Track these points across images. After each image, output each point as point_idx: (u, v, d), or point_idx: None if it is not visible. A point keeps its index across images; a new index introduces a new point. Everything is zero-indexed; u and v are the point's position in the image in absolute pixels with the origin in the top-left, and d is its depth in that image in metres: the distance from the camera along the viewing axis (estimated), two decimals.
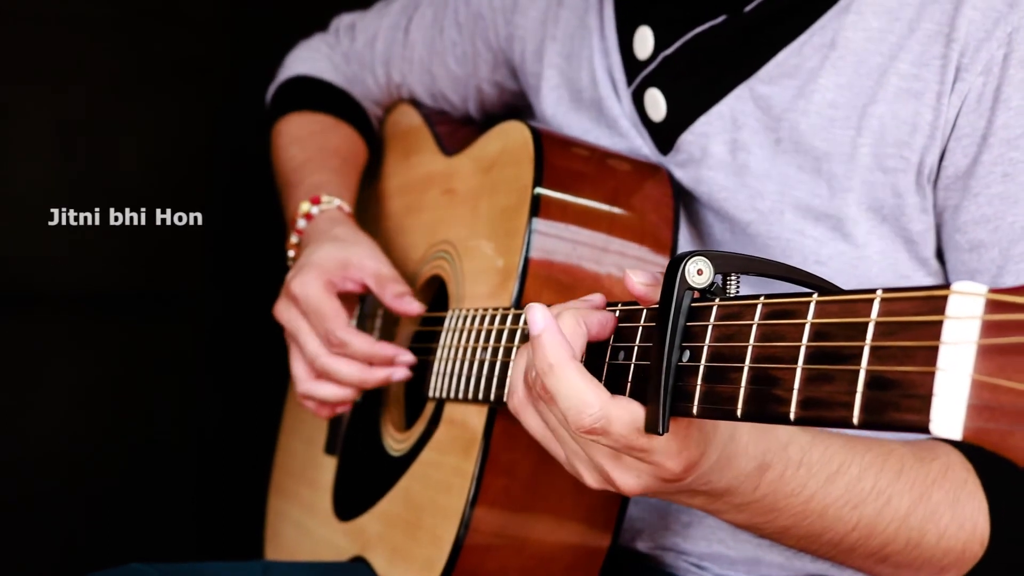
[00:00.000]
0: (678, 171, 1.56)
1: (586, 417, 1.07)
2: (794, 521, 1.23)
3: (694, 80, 1.55)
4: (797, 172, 1.45)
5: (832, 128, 1.43)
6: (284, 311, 1.68)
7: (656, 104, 1.58)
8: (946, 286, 0.78)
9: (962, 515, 1.28)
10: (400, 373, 1.64)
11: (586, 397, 1.07)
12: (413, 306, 1.66)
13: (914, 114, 1.38)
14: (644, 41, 1.59)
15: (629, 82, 1.62)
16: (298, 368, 1.69)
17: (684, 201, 1.57)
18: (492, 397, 1.40)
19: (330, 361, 1.64)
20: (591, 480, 1.18)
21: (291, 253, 1.81)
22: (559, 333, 1.10)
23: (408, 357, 1.64)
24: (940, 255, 1.44)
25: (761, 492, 1.18)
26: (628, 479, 1.14)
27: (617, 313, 1.17)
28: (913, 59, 1.39)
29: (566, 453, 1.19)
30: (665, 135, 1.57)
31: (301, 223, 1.80)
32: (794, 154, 1.46)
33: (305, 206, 1.80)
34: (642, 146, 1.60)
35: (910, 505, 1.25)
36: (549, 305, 1.31)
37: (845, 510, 1.23)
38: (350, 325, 1.65)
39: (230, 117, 2.40)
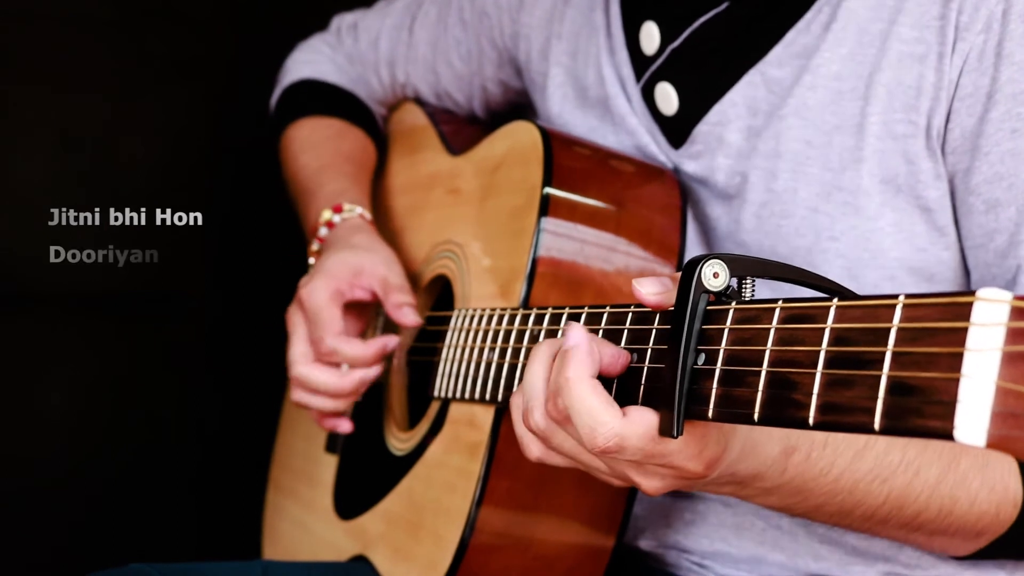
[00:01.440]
0: (691, 163, 1.56)
1: (599, 437, 1.08)
2: (825, 499, 1.24)
3: (704, 70, 1.55)
4: (807, 148, 1.45)
5: (841, 101, 1.43)
6: (292, 315, 1.71)
7: (667, 98, 1.58)
8: (971, 292, 0.78)
9: (992, 478, 1.29)
10: (373, 372, 1.68)
11: (599, 416, 1.08)
12: (410, 317, 1.67)
13: (918, 77, 1.38)
14: (650, 36, 1.59)
15: (638, 78, 1.62)
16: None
17: (690, 196, 1.57)
18: (499, 398, 1.40)
19: (304, 370, 1.67)
20: (617, 483, 1.20)
21: (312, 261, 1.80)
22: (588, 354, 1.11)
23: (394, 342, 1.67)
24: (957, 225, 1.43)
25: (790, 475, 1.19)
26: (652, 482, 1.15)
27: (630, 316, 1.18)
28: (912, 22, 1.38)
29: (589, 470, 1.20)
30: (678, 128, 1.57)
31: (323, 231, 1.79)
32: (803, 130, 1.45)
33: (327, 214, 1.80)
34: (650, 143, 1.60)
35: (939, 473, 1.26)
36: (556, 307, 1.32)
37: (875, 484, 1.24)
38: (341, 334, 1.66)
39: (231, 117, 2.40)
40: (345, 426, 1.75)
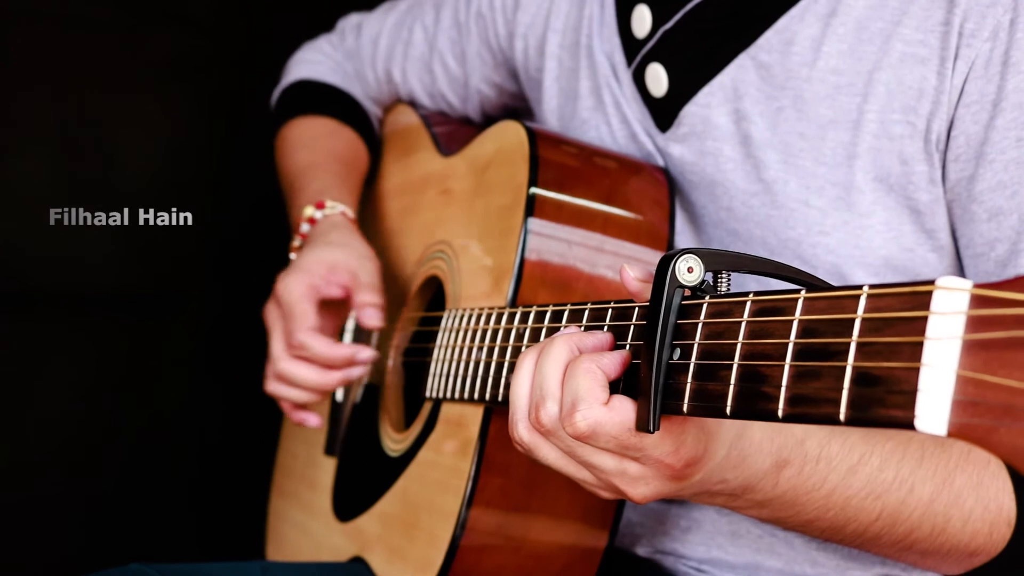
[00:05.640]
0: (679, 147, 1.55)
1: (577, 415, 1.07)
2: (817, 514, 1.24)
3: (695, 52, 1.54)
4: (801, 140, 1.45)
5: (838, 95, 1.43)
6: (269, 312, 1.72)
7: (657, 79, 1.58)
8: (931, 281, 0.77)
9: (987, 497, 1.28)
10: (356, 371, 1.68)
11: (583, 398, 1.08)
12: (372, 320, 1.69)
13: (920, 79, 1.37)
14: (642, 19, 1.59)
15: (629, 63, 1.62)
16: (267, 368, 1.73)
17: (678, 184, 1.57)
18: (488, 397, 1.40)
19: (287, 365, 1.68)
20: (605, 494, 1.18)
21: (293, 256, 1.82)
22: (568, 337, 1.13)
23: (367, 353, 1.67)
24: (951, 230, 1.42)
25: (781, 488, 1.19)
26: (638, 489, 1.13)
27: (610, 312, 1.17)
28: (916, 25, 1.38)
29: (580, 477, 1.19)
30: (666, 110, 1.57)
31: (304, 227, 1.81)
32: (798, 122, 1.45)
33: (309, 210, 1.81)
34: (640, 130, 1.60)
35: (933, 491, 1.25)
36: (540, 305, 1.32)
37: (868, 501, 1.24)
38: (314, 329, 1.67)
39: (232, 117, 2.41)
40: (313, 420, 1.76)
